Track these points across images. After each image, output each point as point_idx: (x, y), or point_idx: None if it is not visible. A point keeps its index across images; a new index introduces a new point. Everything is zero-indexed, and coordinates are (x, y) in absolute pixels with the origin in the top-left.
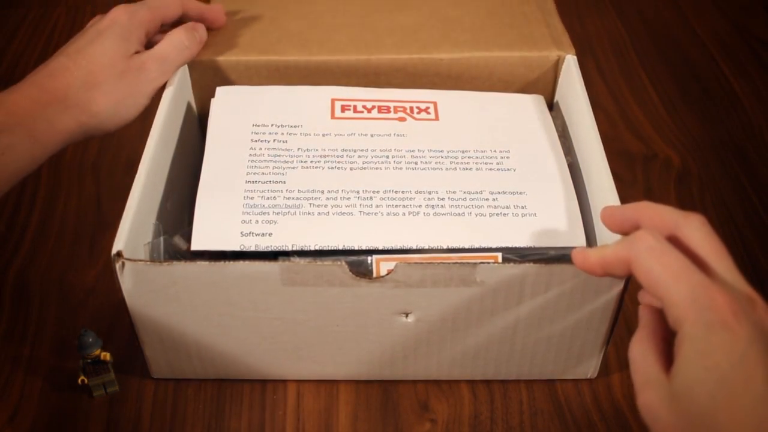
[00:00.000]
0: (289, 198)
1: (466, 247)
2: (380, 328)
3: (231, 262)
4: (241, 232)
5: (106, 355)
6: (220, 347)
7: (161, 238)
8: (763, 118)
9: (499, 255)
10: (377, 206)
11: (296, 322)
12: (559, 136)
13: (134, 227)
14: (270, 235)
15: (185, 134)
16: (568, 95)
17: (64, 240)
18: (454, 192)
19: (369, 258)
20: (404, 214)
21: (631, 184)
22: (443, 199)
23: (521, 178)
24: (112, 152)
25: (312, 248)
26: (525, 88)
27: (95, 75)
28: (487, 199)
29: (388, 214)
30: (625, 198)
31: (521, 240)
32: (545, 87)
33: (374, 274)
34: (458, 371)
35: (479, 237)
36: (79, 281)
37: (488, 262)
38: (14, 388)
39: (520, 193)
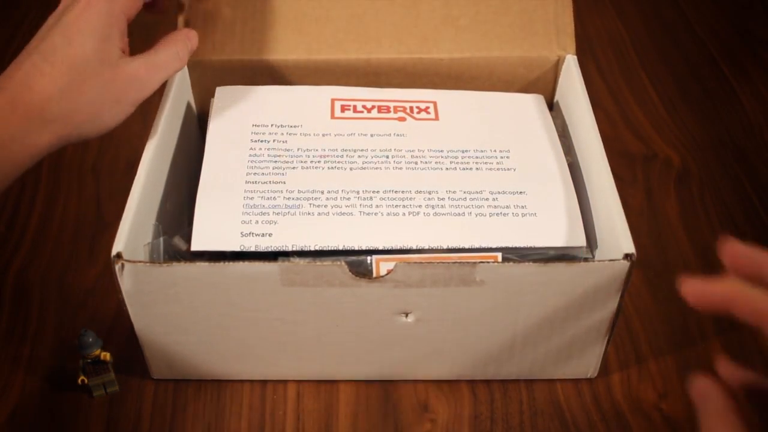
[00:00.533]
0: (289, 198)
1: (466, 247)
2: (380, 328)
3: (231, 263)
4: (241, 233)
5: (106, 355)
6: (220, 348)
7: (161, 239)
8: (763, 118)
9: (499, 255)
10: (377, 206)
11: (296, 322)
12: (559, 136)
13: (134, 228)
14: (270, 235)
15: (185, 134)
16: (568, 95)
17: (64, 240)
18: (454, 192)
19: (369, 258)
20: (404, 214)
21: (631, 184)
22: (443, 199)
23: (521, 178)
24: (112, 152)
25: (312, 248)
26: (525, 88)
27: (78, 84)
28: (487, 199)
29: (388, 214)
30: (625, 198)
31: (521, 240)
32: (545, 87)
33: (374, 274)
34: (458, 371)
35: (479, 237)
36: (79, 281)
37: (488, 262)
38: (14, 388)
39: (520, 192)
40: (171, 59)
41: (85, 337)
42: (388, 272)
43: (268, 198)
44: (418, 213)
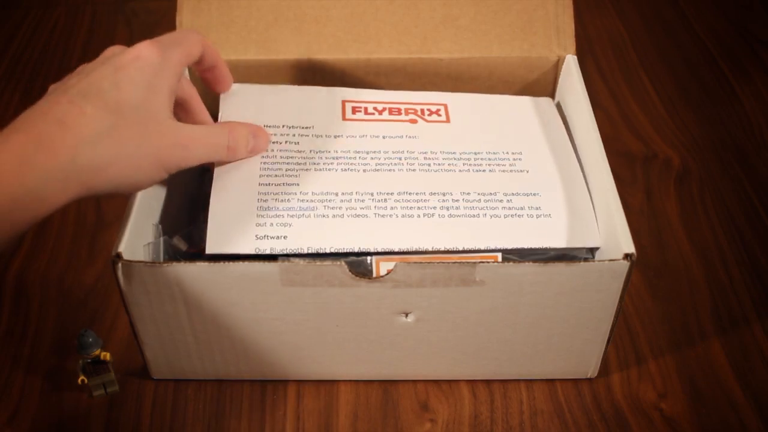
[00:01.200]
0: (303, 200)
1: (482, 248)
2: (380, 328)
3: (231, 263)
4: (256, 235)
5: (106, 355)
6: (220, 347)
7: (161, 239)
8: (763, 118)
9: (499, 255)
10: (392, 208)
11: (296, 322)
12: None
13: (134, 228)
14: (285, 237)
15: None
16: (569, 95)
17: (63, 240)
18: (469, 194)
19: (369, 258)
20: (419, 216)
21: (631, 184)
22: (458, 200)
23: (534, 180)
24: None
25: (328, 251)
26: (525, 88)
27: (121, 130)
28: (501, 201)
29: (403, 216)
30: (625, 198)
31: (537, 241)
32: (545, 87)
33: (374, 274)
34: (458, 371)
35: (495, 239)
36: (79, 281)
37: (488, 262)
38: (14, 388)
39: (534, 194)
40: (219, 148)
41: (85, 337)
42: (388, 272)
43: (282, 200)
44: (432, 215)
